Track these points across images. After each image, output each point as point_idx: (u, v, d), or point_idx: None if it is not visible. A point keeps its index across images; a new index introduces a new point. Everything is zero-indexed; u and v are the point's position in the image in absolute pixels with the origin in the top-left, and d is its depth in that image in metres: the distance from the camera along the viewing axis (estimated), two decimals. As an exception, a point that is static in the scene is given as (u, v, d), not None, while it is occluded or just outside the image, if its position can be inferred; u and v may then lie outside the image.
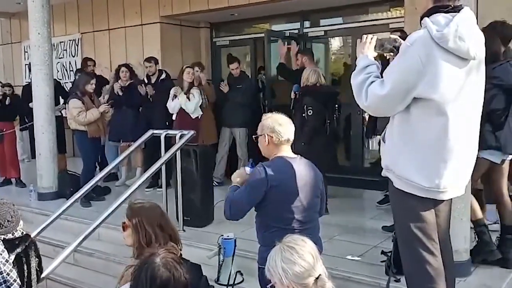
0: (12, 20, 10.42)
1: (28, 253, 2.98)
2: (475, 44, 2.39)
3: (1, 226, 2.89)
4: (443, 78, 2.35)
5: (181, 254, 2.68)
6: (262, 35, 7.48)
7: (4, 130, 7.45)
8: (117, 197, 4.45)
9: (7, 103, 7.42)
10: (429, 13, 2.44)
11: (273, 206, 2.78)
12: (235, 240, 3.98)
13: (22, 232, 3.00)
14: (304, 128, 5.18)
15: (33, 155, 8.02)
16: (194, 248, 4.52)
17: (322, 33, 7.56)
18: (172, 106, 6.58)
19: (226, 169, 7.08)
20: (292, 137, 2.92)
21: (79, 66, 8.79)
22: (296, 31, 7.65)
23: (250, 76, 7.84)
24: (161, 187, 5.42)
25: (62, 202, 4.95)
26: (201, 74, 6.90)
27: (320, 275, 1.87)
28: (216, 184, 6.56)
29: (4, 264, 2.80)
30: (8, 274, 2.81)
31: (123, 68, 7.01)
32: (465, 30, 2.34)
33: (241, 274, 4.00)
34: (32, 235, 4.11)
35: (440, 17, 2.39)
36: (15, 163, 7.65)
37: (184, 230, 4.95)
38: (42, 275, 3.41)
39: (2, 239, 2.88)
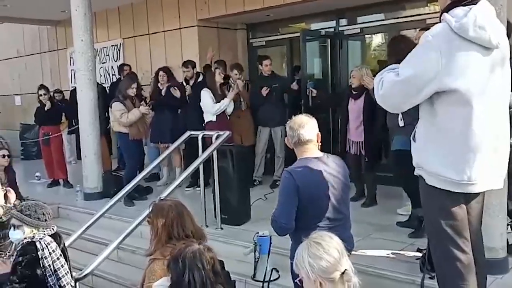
0: (57, 27, 10.84)
1: (66, 248, 3.16)
2: (496, 33, 2.40)
3: (46, 220, 3.06)
4: (465, 68, 2.36)
5: None
6: (298, 34, 7.51)
7: (50, 133, 7.79)
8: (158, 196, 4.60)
9: (46, 108, 7.71)
10: (448, 8, 2.48)
11: (302, 206, 2.81)
12: (270, 238, 4.04)
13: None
14: (377, 122, 5.35)
15: (79, 157, 8.33)
16: (231, 245, 4.63)
17: (358, 30, 7.51)
18: (217, 107, 6.46)
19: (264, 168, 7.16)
20: (313, 137, 2.87)
21: (122, 71, 9.14)
22: (332, 30, 7.64)
23: (287, 75, 7.88)
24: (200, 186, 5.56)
25: (106, 202, 5.12)
26: (238, 81, 6.84)
27: (346, 269, 1.91)
28: (258, 183, 6.65)
29: (58, 258, 2.99)
30: (62, 266, 3.00)
31: (161, 73, 7.20)
32: (484, 19, 2.37)
33: (277, 271, 4.05)
34: (78, 233, 4.35)
35: (459, 10, 2.43)
36: (62, 165, 7.95)
37: (222, 228, 5.07)
38: (87, 271, 3.59)
39: (50, 234, 3.06)
